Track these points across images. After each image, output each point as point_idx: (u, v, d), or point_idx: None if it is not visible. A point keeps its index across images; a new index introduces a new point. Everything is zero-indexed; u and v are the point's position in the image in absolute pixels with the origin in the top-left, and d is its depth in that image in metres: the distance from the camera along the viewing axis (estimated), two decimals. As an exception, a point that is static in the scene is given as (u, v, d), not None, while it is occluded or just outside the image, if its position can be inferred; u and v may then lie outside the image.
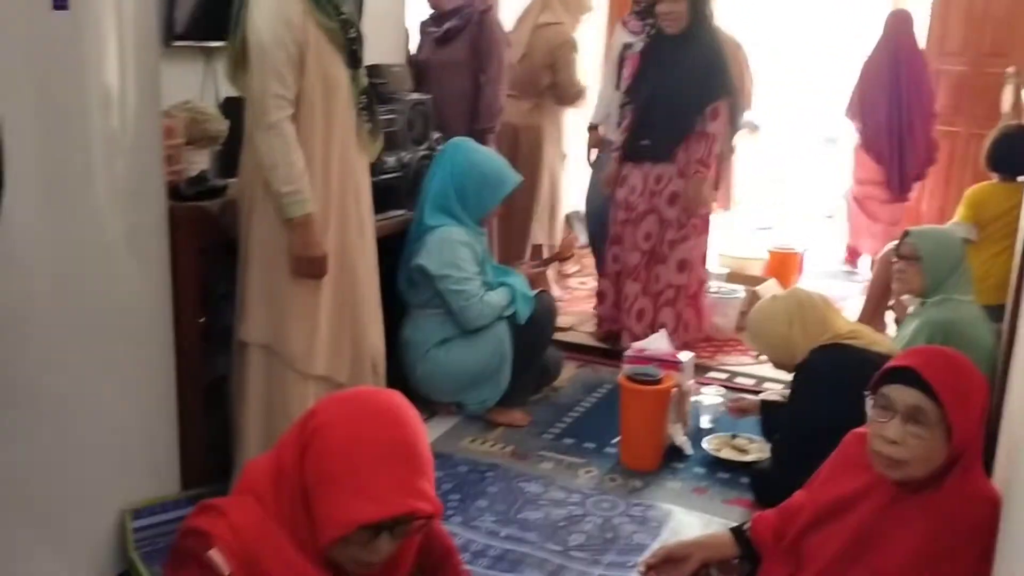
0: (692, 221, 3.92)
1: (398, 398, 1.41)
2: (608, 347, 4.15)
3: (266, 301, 2.54)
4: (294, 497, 1.35)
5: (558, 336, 3.93)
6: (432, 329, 3.36)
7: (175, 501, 2.43)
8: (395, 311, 3.32)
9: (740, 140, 4.92)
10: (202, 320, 2.63)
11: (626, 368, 3.18)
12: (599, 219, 4.36)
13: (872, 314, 4.09)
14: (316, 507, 1.32)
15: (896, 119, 5.19)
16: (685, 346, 3.73)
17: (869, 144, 5.32)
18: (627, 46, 4.24)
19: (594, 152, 4.63)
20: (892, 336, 3.30)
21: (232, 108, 2.85)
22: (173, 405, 2.48)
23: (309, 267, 2.51)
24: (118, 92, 2.19)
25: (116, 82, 2.18)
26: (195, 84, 3.12)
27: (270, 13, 2.38)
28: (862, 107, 5.32)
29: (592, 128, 4.58)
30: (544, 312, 3.49)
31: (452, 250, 3.29)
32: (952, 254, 3.02)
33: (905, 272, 3.06)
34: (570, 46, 4.50)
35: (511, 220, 4.48)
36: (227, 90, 2.96)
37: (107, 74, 2.15)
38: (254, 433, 2.57)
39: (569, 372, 3.92)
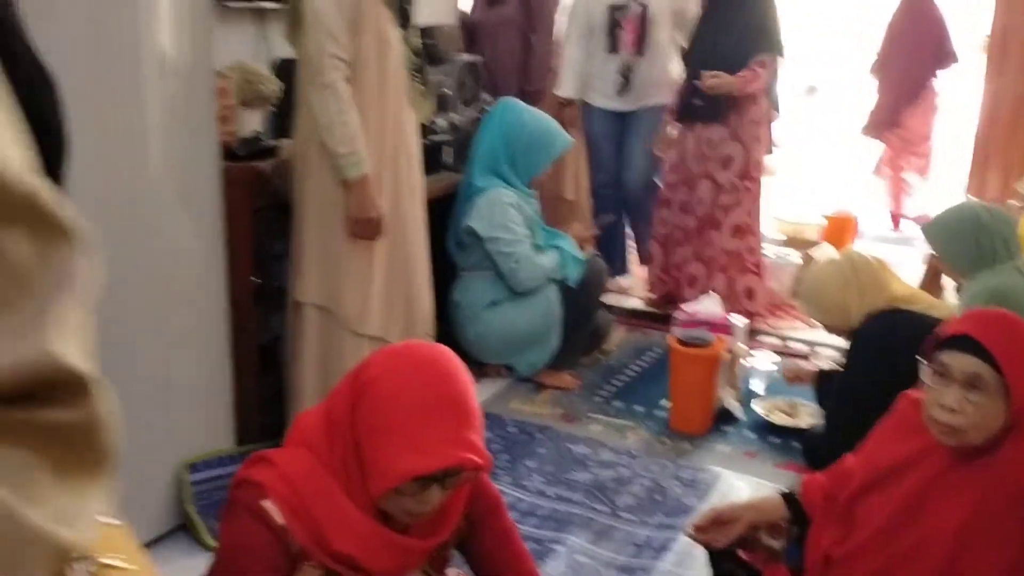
0: (745, 184, 3.86)
1: (447, 352, 1.41)
2: (659, 311, 4.14)
3: (321, 261, 2.56)
4: (346, 448, 1.37)
5: (608, 299, 3.92)
6: (482, 291, 3.37)
7: (231, 456, 2.48)
8: (444, 273, 3.33)
9: (797, 102, 4.83)
10: (256, 280, 2.66)
11: (676, 331, 3.16)
12: (608, 190, 4.29)
13: (932, 279, 3.99)
14: (368, 458, 1.34)
15: (908, 71, 5.50)
16: (751, 315, 3.70)
17: (882, 95, 5.68)
18: (617, 8, 3.98)
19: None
20: (952, 303, 3.22)
21: (285, 69, 2.87)
22: (228, 363, 2.51)
23: (365, 228, 2.52)
24: (172, 53, 2.20)
25: (170, 43, 2.20)
26: (248, 45, 3.14)
27: None
28: (883, 65, 5.60)
29: (567, 104, 4.10)
30: (594, 275, 3.48)
31: (502, 212, 3.29)
32: (964, 236, 2.71)
33: (941, 266, 2.93)
34: None
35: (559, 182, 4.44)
36: (280, 51, 2.97)
37: (161, 35, 2.17)
38: (308, 391, 2.60)
39: (619, 335, 3.91)
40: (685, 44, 3.97)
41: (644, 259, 4.44)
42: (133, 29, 2.10)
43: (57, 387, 0.41)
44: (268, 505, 1.35)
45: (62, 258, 0.42)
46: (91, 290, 0.43)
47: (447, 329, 3.35)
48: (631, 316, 4.17)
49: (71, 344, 0.41)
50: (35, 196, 0.41)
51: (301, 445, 1.43)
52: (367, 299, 2.60)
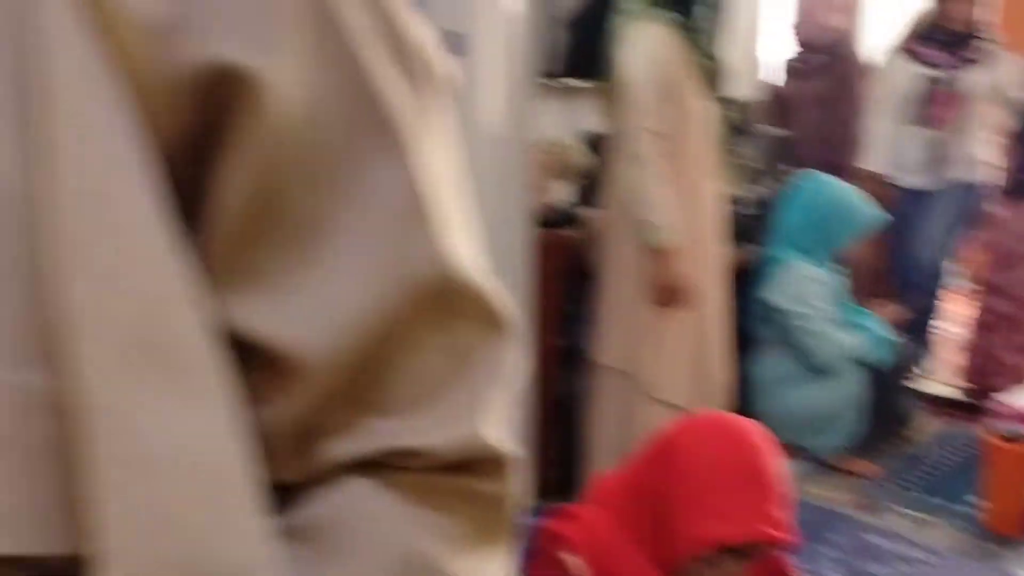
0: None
1: (756, 425, 1.42)
2: (970, 401, 3.84)
3: (622, 326, 2.63)
4: (645, 511, 1.40)
5: (914, 384, 3.70)
6: (780, 366, 3.29)
7: (527, 509, 2.58)
8: (744, 345, 3.30)
9: None
10: (559, 341, 2.78)
11: (993, 424, 2.93)
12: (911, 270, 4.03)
13: None
14: (673, 523, 1.36)
15: None
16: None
17: None
18: (934, 81, 3.71)
19: None
20: None
21: (594, 143, 3.00)
22: (529, 420, 2.63)
23: (669, 296, 2.57)
24: (497, 126, 2.39)
25: (497, 116, 2.38)
26: (559, 119, 3.31)
27: (643, 50, 2.48)
28: None
29: (885, 184, 3.80)
30: (902, 358, 3.31)
31: (799, 285, 3.21)
32: None
33: None
34: None
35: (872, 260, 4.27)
36: (589, 124, 3.12)
37: (490, 109, 2.36)
38: (603, 451, 2.66)
39: (926, 423, 3.67)
40: (1007, 121, 3.73)
41: (936, 342, 4.16)
42: (469, 102, 2.31)
43: (480, 462, 0.47)
44: (573, 559, 1.40)
45: (497, 347, 0.48)
46: (516, 377, 0.49)
47: (742, 402, 3.30)
48: (938, 404, 3.90)
49: (496, 426, 0.47)
50: (482, 291, 0.47)
51: (602, 505, 1.47)
52: (665, 366, 2.63)
